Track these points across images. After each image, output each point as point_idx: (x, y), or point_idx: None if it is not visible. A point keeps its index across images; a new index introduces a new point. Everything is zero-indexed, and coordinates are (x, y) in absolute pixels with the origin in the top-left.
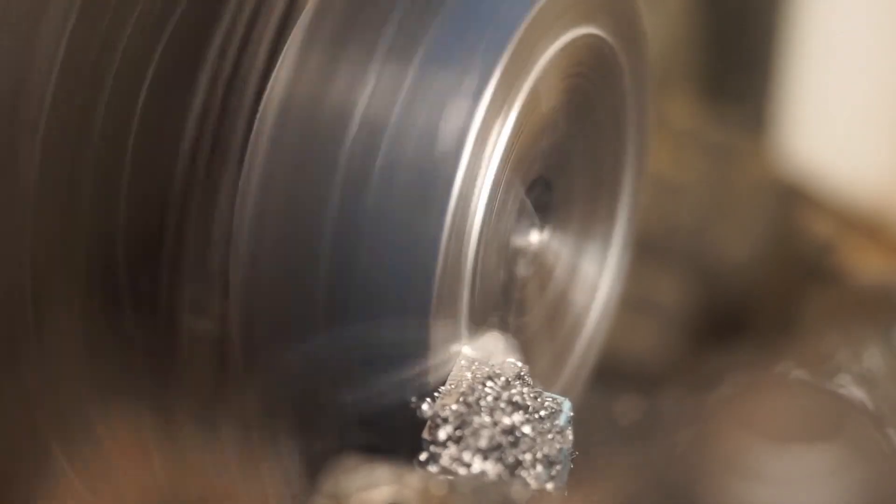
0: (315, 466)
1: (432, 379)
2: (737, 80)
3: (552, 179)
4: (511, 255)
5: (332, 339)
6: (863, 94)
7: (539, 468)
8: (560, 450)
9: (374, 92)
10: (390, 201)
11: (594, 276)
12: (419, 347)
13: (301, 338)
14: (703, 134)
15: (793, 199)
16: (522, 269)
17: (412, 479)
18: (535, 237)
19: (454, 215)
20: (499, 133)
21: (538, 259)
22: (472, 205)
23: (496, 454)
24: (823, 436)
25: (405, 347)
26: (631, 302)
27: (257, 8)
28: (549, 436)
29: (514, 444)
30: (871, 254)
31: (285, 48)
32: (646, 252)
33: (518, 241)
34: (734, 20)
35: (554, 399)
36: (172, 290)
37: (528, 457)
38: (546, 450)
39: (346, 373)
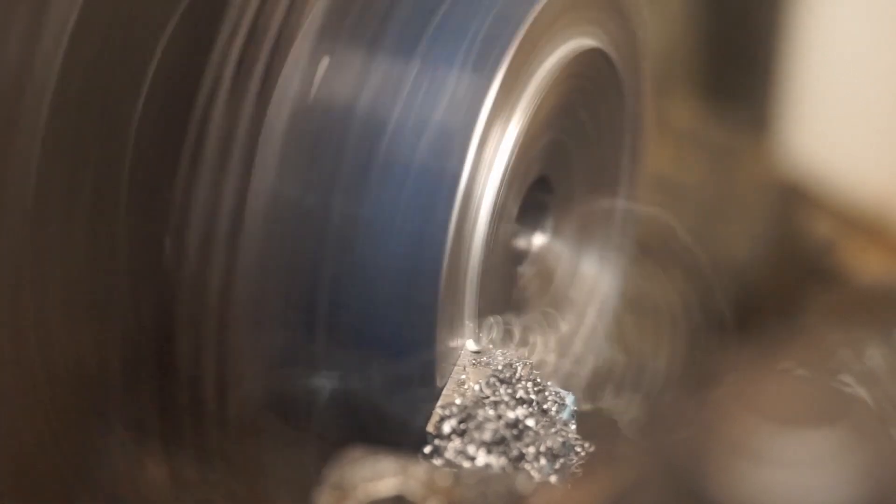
0: (320, 462)
1: (437, 375)
2: (737, 80)
3: (552, 179)
4: (513, 255)
5: (336, 337)
6: (864, 94)
7: (542, 461)
8: (563, 443)
9: (378, 90)
10: (395, 200)
11: (594, 276)
12: (424, 345)
13: (305, 335)
14: (704, 134)
15: (793, 199)
16: (524, 269)
17: (417, 471)
18: (535, 237)
19: (458, 214)
20: (502, 132)
21: (539, 258)
22: (476, 203)
23: (500, 447)
24: (827, 420)
25: (410, 345)
26: (631, 302)
27: (262, 6)
28: (553, 429)
29: (518, 438)
30: (872, 254)
31: (290, 47)
32: (646, 252)
33: (519, 240)
34: (734, 20)
35: (557, 393)
36: (174, 289)
37: (531, 450)
38: (549, 443)
39: (351, 370)
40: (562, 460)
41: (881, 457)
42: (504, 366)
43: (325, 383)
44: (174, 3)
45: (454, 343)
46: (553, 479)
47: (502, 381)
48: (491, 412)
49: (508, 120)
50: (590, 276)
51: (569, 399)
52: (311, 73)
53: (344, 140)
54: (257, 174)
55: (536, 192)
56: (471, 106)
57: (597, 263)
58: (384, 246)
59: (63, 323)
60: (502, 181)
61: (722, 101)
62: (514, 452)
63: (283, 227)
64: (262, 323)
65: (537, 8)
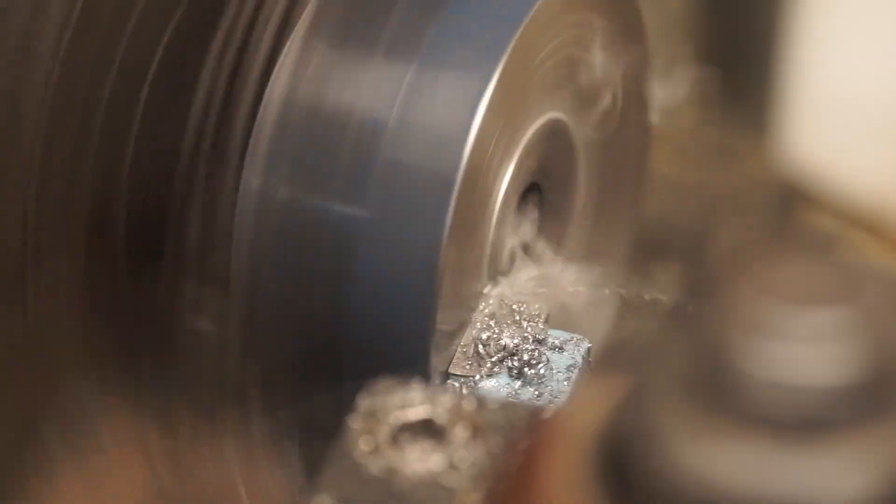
0: (317, 462)
1: (433, 375)
2: (737, 80)
3: (553, 180)
4: (512, 254)
5: (333, 338)
6: (863, 94)
7: (560, 377)
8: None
9: (374, 91)
10: (392, 201)
11: (593, 276)
12: (421, 345)
13: (301, 336)
14: (703, 134)
15: (793, 199)
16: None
17: (444, 399)
18: (535, 237)
19: (455, 214)
20: (500, 133)
21: (539, 258)
22: (474, 204)
23: (518, 371)
24: (840, 298)
25: (407, 346)
26: (631, 301)
27: (258, 7)
28: (566, 352)
29: (535, 364)
30: (872, 254)
31: (286, 48)
32: (646, 252)
33: (519, 239)
34: (734, 21)
35: (571, 337)
36: (173, 289)
37: (545, 370)
38: (565, 362)
39: (348, 370)
40: (576, 371)
41: (891, 334)
42: (524, 307)
43: (321, 380)
44: (174, 5)
45: (452, 342)
46: (567, 394)
47: (522, 319)
48: (511, 342)
49: (507, 120)
50: (589, 276)
51: (584, 344)
52: (308, 74)
53: (341, 141)
54: (253, 175)
55: (536, 193)
56: (468, 106)
57: (596, 263)
58: (381, 247)
59: (62, 319)
60: (501, 181)
61: (722, 101)
62: (531, 373)
63: (279, 228)
64: (259, 319)
65: (534, 9)
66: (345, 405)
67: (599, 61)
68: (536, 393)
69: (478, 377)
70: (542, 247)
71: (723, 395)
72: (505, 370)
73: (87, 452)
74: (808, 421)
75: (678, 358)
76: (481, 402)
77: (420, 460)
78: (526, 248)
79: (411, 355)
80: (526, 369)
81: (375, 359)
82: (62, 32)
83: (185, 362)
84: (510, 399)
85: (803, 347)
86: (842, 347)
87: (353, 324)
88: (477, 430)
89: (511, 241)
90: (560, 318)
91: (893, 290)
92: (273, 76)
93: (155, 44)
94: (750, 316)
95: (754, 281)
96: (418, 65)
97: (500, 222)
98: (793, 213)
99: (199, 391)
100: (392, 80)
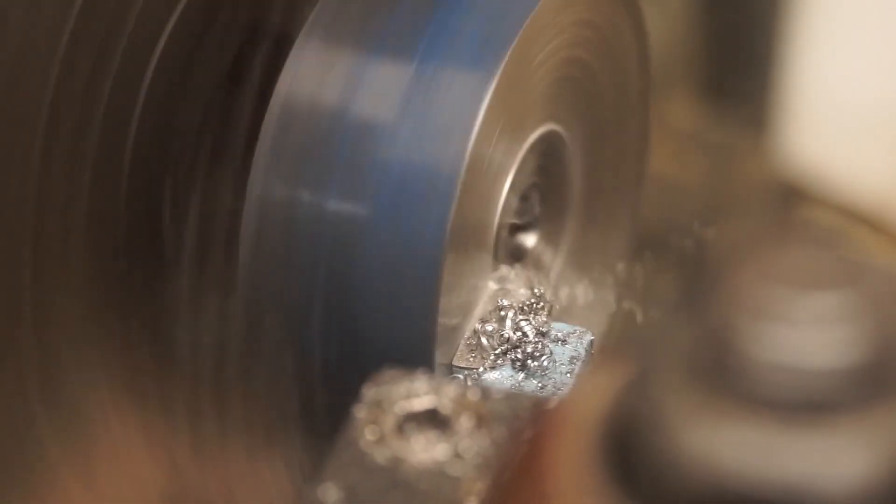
0: (319, 457)
1: (437, 367)
2: (737, 80)
3: (553, 179)
4: (513, 254)
5: (331, 339)
6: (864, 94)
7: (563, 369)
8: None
9: (375, 90)
10: (393, 200)
11: (593, 274)
12: (421, 345)
13: (301, 336)
14: (703, 134)
15: (793, 199)
16: (524, 268)
17: (449, 389)
18: (536, 236)
19: (456, 212)
20: (500, 132)
21: (539, 258)
22: (474, 204)
23: (522, 363)
24: (843, 282)
25: (406, 345)
26: (630, 301)
27: (257, 6)
28: (570, 344)
29: (538, 356)
30: (872, 251)
31: (287, 47)
32: (646, 252)
33: (519, 240)
34: (734, 20)
35: (574, 329)
36: (173, 287)
37: (548, 363)
38: (568, 354)
39: (347, 372)
40: (577, 365)
41: (890, 318)
42: (524, 301)
43: (319, 380)
44: (171, 5)
45: (453, 341)
46: (570, 385)
47: (523, 311)
48: (514, 334)
49: (509, 119)
50: (588, 276)
51: (586, 336)
52: (307, 73)
53: (342, 140)
54: (254, 176)
55: (537, 192)
56: (469, 105)
57: (596, 262)
58: (383, 245)
59: (62, 318)
60: (504, 180)
61: (722, 101)
62: (534, 364)
63: (278, 228)
64: (258, 317)
65: (536, 7)
66: (348, 401)
67: (600, 61)
68: (540, 385)
69: (481, 369)
70: (543, 244)
71: (726, 378)
72: (508, 362)
73: (85, 450)
74: (811, 403)
75: (682, 342)
76: (486, 392)
77: (425, 450)
78: (527, 246)
79: (414, 352)
80: (529, 361)
81: (377, 356)
82: (61, 30)
83: (187, 361)
84: (513, 389)
85: (806, 330)
86: (844, 330)
87: (356, 321)
88: (481, 420)
89: (513, 238)
90: (561, 314)
91: (894, 277)
92: (274, 76)
93: (153, 44)
94: (753, 300)
95: (757, 266)
96: (419, 63)
97: (503, 220)
98: (793, 212)
99: (200, 390)
100: (392, 79)
